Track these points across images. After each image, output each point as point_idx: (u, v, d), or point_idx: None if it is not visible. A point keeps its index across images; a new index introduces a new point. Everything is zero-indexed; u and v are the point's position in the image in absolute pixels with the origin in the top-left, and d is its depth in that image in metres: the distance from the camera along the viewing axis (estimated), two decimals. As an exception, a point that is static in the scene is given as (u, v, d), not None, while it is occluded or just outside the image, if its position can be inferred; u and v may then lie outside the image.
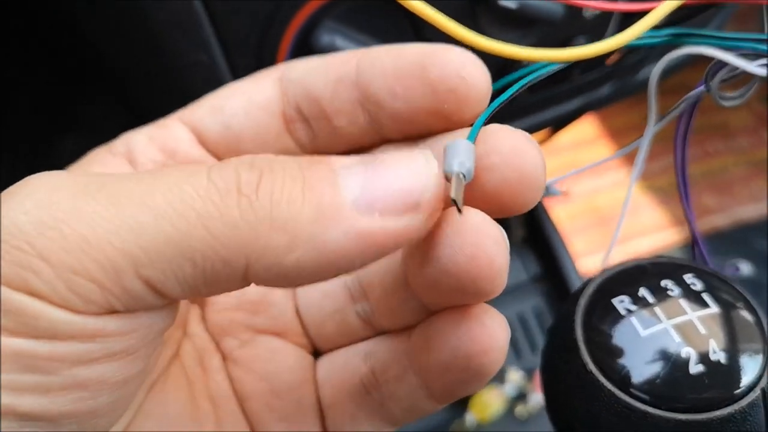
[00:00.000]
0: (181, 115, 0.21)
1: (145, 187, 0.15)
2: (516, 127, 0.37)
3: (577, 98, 0.36)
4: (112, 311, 0.15)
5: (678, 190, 0.26)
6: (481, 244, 0.17)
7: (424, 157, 0.17)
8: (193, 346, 0.22)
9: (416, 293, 0.19)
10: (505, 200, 0.18)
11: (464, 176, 0.17)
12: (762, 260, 0.93)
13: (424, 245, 0.18)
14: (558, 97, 0.36)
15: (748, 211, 1.02)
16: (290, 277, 0.16)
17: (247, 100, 0.21)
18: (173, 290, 0.15)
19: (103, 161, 0.20)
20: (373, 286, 0.22)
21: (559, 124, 0.42)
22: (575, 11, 0.31)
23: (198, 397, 0.21)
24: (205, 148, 0.21)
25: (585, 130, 1.05)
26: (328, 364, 0.23)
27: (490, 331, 0.19)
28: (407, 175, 0.16)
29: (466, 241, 0.17)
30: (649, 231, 1.00)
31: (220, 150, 0.21)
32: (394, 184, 0.16)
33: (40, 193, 0.15)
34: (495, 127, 0.18)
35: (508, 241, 0.17)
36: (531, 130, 0.38)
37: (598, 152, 1.03)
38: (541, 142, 0.49)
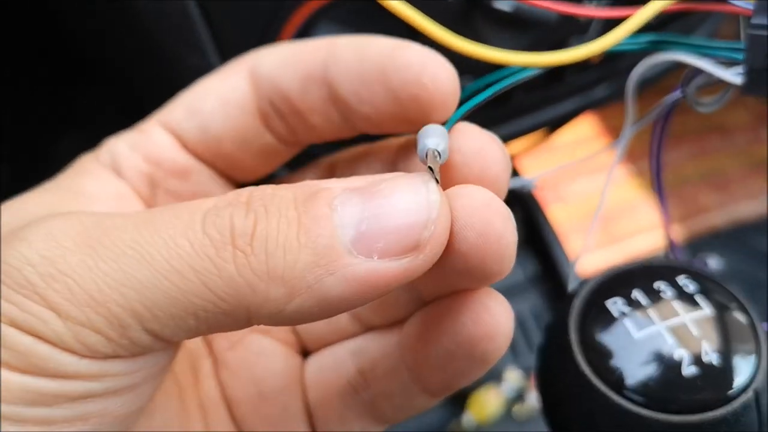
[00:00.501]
0: (159, 118, 0.21)
1: (142, 238, 0.15)
2: (512, 127, 0.38)
3: (572, 99, 0.37)
4: (117, 357, 0.16)
5: (653, 192, 0.26)
6: (492, 220, 0.16)
7: (425, 185, 0.16)
8: (185, 350, 0.22)
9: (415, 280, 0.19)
10: None
11: (439, 154, 0.17)
12: (760, 259, 0.93)
13: None
14: (553, 98, 0.36)
15: (746, 209, 1.02)
16: (293, 321, 0.16)
17: (221, 100, 0.20)
18: (177, 337, 0.16)
19: (94, 173, 0.20)
20: None
21: (555, 124, 0.42)
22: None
23: (188, 405, 0.21)
24: (187, 152, 0.21)
25: (582, 129, 1.05)
26: (316, 363, 0.22)
27: (496, 314, 0.18)
28: (407, 209, 0.15)
29: (476, 216, 0.16)
30: (646, 230, 1.00)
31: (202, 152, 0.21)
32: (393, 223, 0.15)
33: (45, 242, 0.15)
34: (461, 126, 0.18)
35: (514, 221, 0.17)
36: (527, 130, 0.38)
37: (595, 151, 1.03)
38: (538, 142, 0.49)
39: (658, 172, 0.25)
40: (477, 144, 0.18)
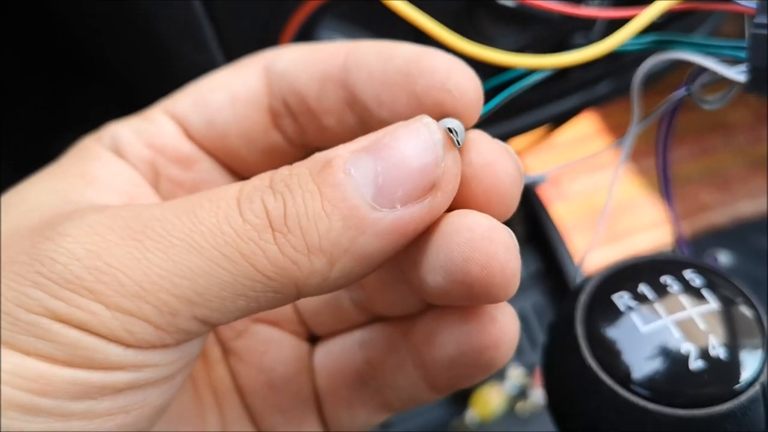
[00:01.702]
0: (165, 106, 0.21)
1: (186, 227, 0.16)
2: (515, 124, 0.38)
3: (575, 95, 0.37)
4: (163, 346, 0.16)
5: (660, 190, 0.26)
6: (494, 252, 0.16)
7: (425, 126, 0.16)
8: None
9: (421, 296, 0.19)
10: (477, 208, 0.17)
11: (457, 133, 0.17)
12: (761, 257, 0.93)
13: (429, 253, 0.17)
14: (556, 94, 0.36)
15: (747, 207, 1.02)
16: (338, 286, 0.16)
17: (231, 95, 0.20)
18: (225, 320, 0.16)
19: (100, 157, 0.20)
20: (368, 276, 0.22)
21: (557, 120, 0.42)
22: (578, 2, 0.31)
23: (202, 392, 0.22)
24: (192, 141, 0.21)
25: (585, 126, 1.05)
26: (324, 351, 0.23)
27: (502, 326, 0.18)
28: (415, 154, 0.16)
29: (478, 251, 0.16)
30: (649, 227, 1.00)
31: (206, 144, 0.21)
32: (406, 170, 0.16)
33: (89, 237, 0.16)
34: (473, 136, 0.18)
35: (517, 243, 0.17)
36: (530, 127, 0.38)
37: (598, 148, 1.03)
38: (541, 138, 0.49)
39: (665, 168, 0.25)
40: (488, 157, 0.17)
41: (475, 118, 0.18)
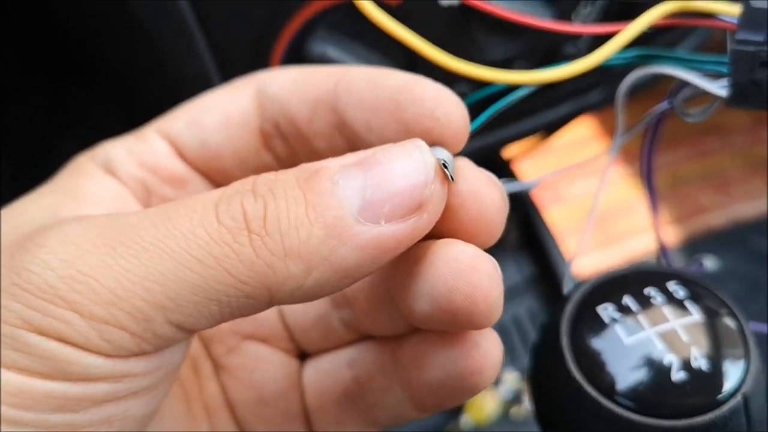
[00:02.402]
0: (159, 126, 0.21)
1: (160, 233, 0.16)
2: (509, 131, 0.38)
3: (567, 103, 0.37)
4: (141, 353, 0.16)
5: (646, 200, 0.27)
6: (477, 281, 0.17)
7: (418, 149, 0.17)
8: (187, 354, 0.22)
9: (407, 319, 0.19)
10: (463, 236, 0.18)
11: (447, 166, 0.17)
12: (760, 259, 0.93)
13: (416, 280, 0.18)
14: (548, 103, 0.36)
15: (745, 210, 1.02)
16: (312, 296, 0.16)
17: (224, 116, 0.20)
18: (200, 326, 0.16)
19: (91, 175, 0.20)
20: (357, 297, 0.22)
21: (551, 128, 0.42)
22: (564, 18, 0.31)
23: (193, 407, 0.22)
24: (184, 161, 0.21)
25: (580, 130, 1.05)
26: (314, 369, 0.23)
27: (485, 352, 0.19)
28: (406, 173, 0.16)
29: (462, 280, 0.17)
30: (644, 230, 1.00)
31: (199, 164, 0.21)
32: (395, 187, 0.16)
33: (64, 246, 0.16)
34: (460, 165, 0.18)
35: (500, 271, 0.17)
36: (522, 135, 0.38)
37: (596, 152, 1.04)
38: (535, 145, 0.49)
39: (650, 178, 0.25)
40: (474, 186, 0.18)
41: (461, 145, 0.19)
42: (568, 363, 0.21)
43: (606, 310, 0.21)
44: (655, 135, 0.24)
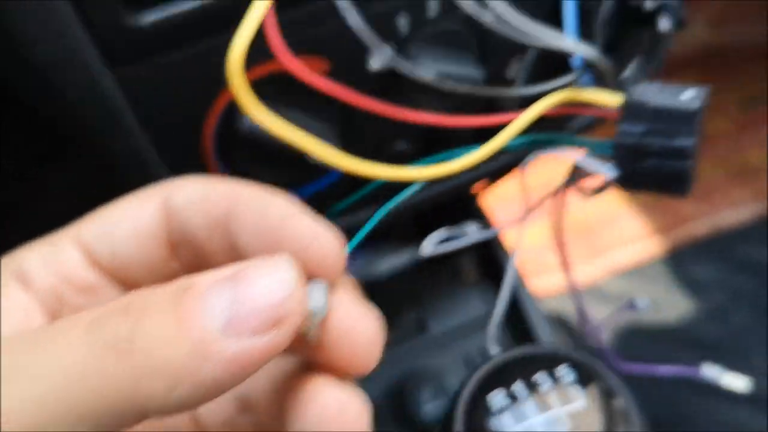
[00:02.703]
0: (72, 232, 0.22)
1: (35, 358, 0.17)
2: (452, 181, 0.38)
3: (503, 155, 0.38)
4: None
5: (557, 250, 0.28)
6: (345, 423, 0.18)
7: (286, 263, 0.18)
8: None
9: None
10: (338, 368, 0.19)
11: (315, 313, 0.18)
12: (743, 268, 0.93)
13: (291, 413, 0.19)
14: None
15: (728, 217, 1.03)
16: (180, 410, 0.17)
17: (133, 227, 0.21)
18: None
19: (3, 286, 0.21)
20: (259, 403, 0.23)
21: (494, 177, 0.43)
22: (497, 74, 0.32)
23: None
24: (96, 269, 0.22)
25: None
26: None
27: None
28: (268, 290, 0.17)
29: (329, 425, 0.18)
30: (630, 241, 1.01)
31: (111, 272, 0.22)
32: (259, 302, 0.17)
33: None
34: (336, 298, 0.20)
35: (369, 407, 0.19)
36: (468, 183, 0.39)
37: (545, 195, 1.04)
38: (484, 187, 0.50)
39: (562, 243, 0.26)
40: (348, 324, 0.19)
41: (338, 277, 0.20)
42: (461, 449, 0.22)
43: (496, 398, 0.22)
44: (561, 213, 0.25)
